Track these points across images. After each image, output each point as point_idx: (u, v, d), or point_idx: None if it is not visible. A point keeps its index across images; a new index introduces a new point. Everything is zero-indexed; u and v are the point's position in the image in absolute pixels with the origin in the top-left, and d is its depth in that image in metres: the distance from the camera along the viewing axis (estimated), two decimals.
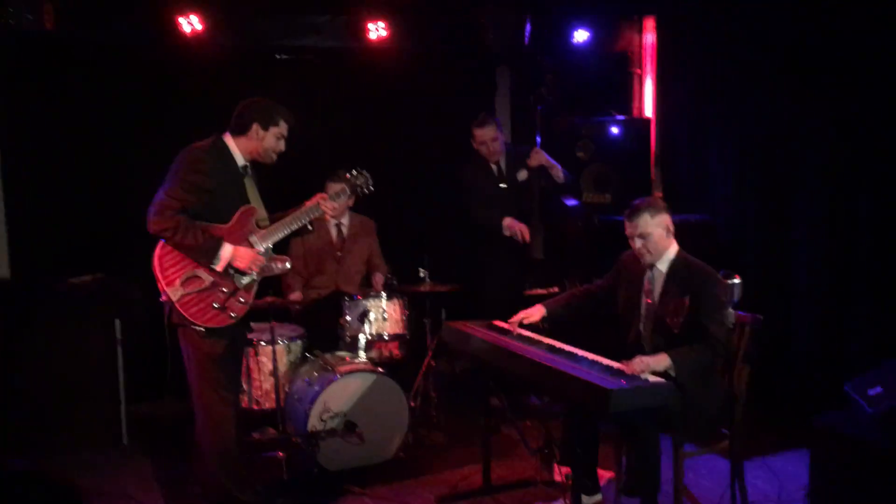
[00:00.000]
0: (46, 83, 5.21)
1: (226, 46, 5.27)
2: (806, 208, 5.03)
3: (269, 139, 3.67)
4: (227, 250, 3.56)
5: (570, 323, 4.04)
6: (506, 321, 4.05)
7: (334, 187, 4.91)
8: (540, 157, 5.07)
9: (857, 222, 4.73)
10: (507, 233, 5.09)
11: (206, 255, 3.54)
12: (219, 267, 3.55)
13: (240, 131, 3.68)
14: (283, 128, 3.70)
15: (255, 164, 3.78)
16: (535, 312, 3.95)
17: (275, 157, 3.73)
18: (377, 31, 5.39)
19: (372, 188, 3.99)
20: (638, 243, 3.64)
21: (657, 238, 3.61)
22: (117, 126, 5.40)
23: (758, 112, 5.36)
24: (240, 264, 3.59)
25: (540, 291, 4.99)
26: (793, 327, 5.08)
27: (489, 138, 5.19)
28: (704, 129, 5.84)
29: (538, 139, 5.05)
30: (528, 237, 5.02)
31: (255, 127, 3.65)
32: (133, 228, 5.23)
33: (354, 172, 3.99)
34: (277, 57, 5.57)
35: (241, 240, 3.63)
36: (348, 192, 4.00)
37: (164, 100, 5.48)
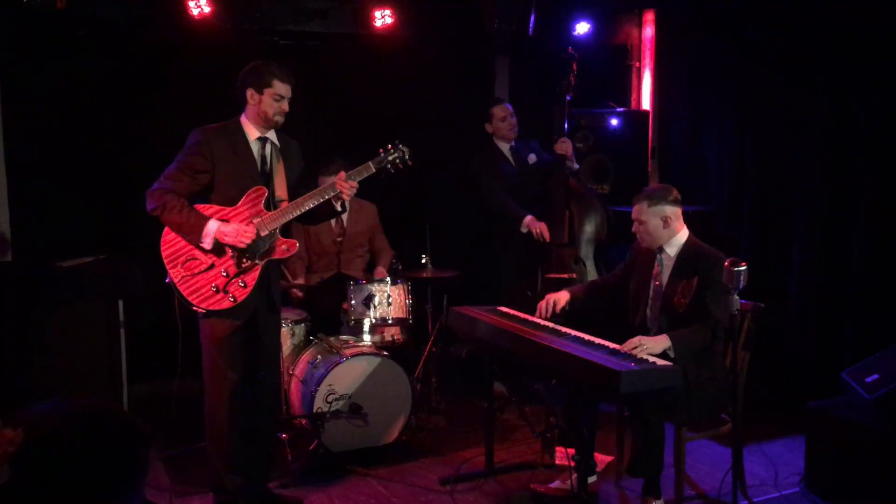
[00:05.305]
0: (52, 64, 5.18)
1: (231, 29, 5.26)
2: (801, 198, 5.13)
3: (267, 102, 3.58)
4: (211, 227, 3.51)
5: (585, 310, 4.11)
6: (521, 305, 4.12)
7: (327, 180, 4.92)
8: (567, 146, 5.12)
9: (852, 214, 4.84)
10: (524, 230, 5.10)
11: (192, 233, 3.52)
12: (206, 245, 3.51)
13: (243, 103, 3.63)
14: (278, 88, 3.58)
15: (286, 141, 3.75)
16: (562, 297, 4.02)
17: (280, 119, 3.63)
18: (383, 18, 5.41)
19: (409, 162, 3.79)
20: (636, 225, 3.81)
21: (652, 227, 3.73)
22: (120, 108, 5.39)
23: (754, 104, 5.45)
24: (227, 240, 3.51)
25: (559, 276, 4.98)
26: (787, 316, 5.18)
27: (509, 113, 5.36)
28: (701, 122, 5.95)
29: (566, 127, 5.13)
30: (547, 237, 5.03)
31: (249, 93, 3.59)
32: (135, 210, 5.28)
33: (389, 147, 3.79)
34: (281, 42, 5.58)
35: (247, 222, 3.57)
36: (372, 168, 3.73)
37: (167, 82, 5.47)
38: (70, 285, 4.75)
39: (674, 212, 3.74)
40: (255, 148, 3.66)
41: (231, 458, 3.72)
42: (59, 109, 5.27)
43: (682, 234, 3.77)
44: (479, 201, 5.38)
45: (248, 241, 3.54)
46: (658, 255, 3.79)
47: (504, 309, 4.18)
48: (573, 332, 3.70)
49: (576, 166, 5.25)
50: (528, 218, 5.11)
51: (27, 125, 5.21)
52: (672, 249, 3.76)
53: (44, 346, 4.68)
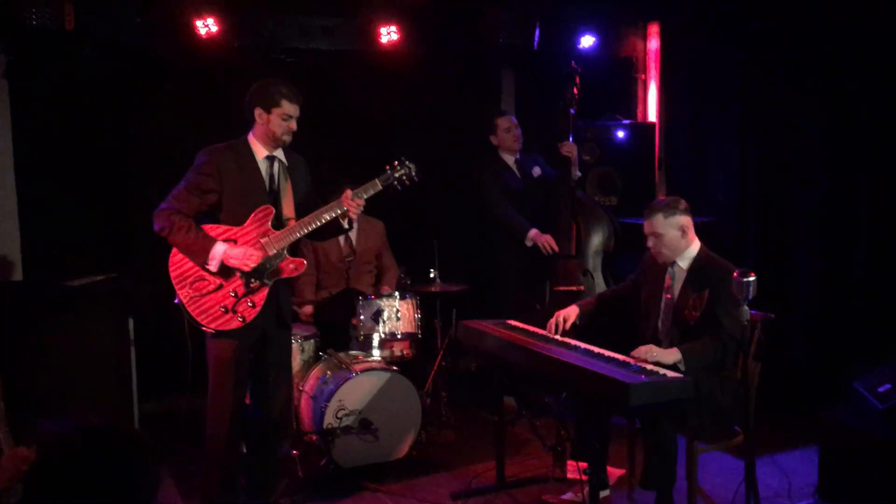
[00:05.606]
0: (61, 83, 5.23)
1: (238, 48, 5.30)
2: (805, 208, 5.14)
3: (275, 121, 3.59)
4: (218, 249, 3.51)
5: (594, 322, 4.10)
6: (528, 316, 4.11)
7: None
8: (573, 149, 5.15)
9: (856, 222, 4.85)
10: (529, 244, 5.11)
11: (198, 254, 3.52)
12: (212, 267, 3.52)
13: (251, 122, 3.64)
14: (286, 108, 3.58)
15: (293, 160, 3.75)
16: (571, 313, 3.98)
17: (288, 139, 3.64)
18: (389, 34, 5.43)
19: (416, 178, 3.81)
20: (651, 241, 3.77)
21: (670, 238, 3.71)
22: (129, 127, 5.43)
23: (758, 116, 5.46)
24: (233, 263, 3.51)
25: (568, 288, 4.99)
26: (793, 325, 5.16)
27: (514, 124, 5.39)
28: (706, 133, 5.95)
29: (570, 137, 5.18)
30: (555, 247, 5.05)
31: (258, 112, 3.59)
32: (144, 227, 5.31)
33: (395, 164, 3.79)
34: (287, 60, 5.61)
35: (254, 242, 3.58)
36: (379, 186, 3.74)
37: (175, 100, 5.51)
38: (80, 304, 4.77)
39: (688, 221, 3.73)
40: (263, 167, 3.67)
41: (225, 476, 3.71)
42: (69, 128, 5.31)
43: (695, 245, 3.76)
44: (479, 210, 5.37)
45: (254, 265, 3.54)
46: (670, 268, 3.78)
47: (513, 322, 4.17)
48: (582, 345, 3.69)
49: (578, 174, 5.25)
50: (533, 232, 5.12)
51: (37, 144, 5.25)
52: (684, 262, 3.74)
53: (54, 365, 4.67)
